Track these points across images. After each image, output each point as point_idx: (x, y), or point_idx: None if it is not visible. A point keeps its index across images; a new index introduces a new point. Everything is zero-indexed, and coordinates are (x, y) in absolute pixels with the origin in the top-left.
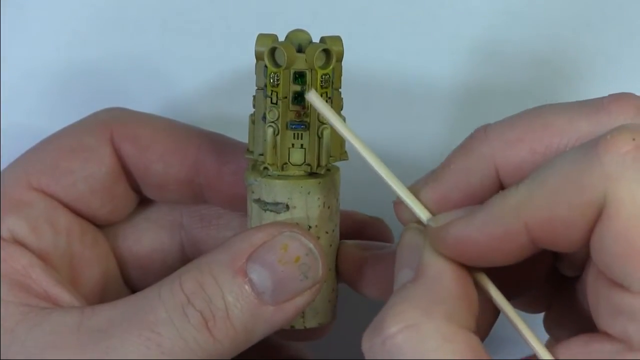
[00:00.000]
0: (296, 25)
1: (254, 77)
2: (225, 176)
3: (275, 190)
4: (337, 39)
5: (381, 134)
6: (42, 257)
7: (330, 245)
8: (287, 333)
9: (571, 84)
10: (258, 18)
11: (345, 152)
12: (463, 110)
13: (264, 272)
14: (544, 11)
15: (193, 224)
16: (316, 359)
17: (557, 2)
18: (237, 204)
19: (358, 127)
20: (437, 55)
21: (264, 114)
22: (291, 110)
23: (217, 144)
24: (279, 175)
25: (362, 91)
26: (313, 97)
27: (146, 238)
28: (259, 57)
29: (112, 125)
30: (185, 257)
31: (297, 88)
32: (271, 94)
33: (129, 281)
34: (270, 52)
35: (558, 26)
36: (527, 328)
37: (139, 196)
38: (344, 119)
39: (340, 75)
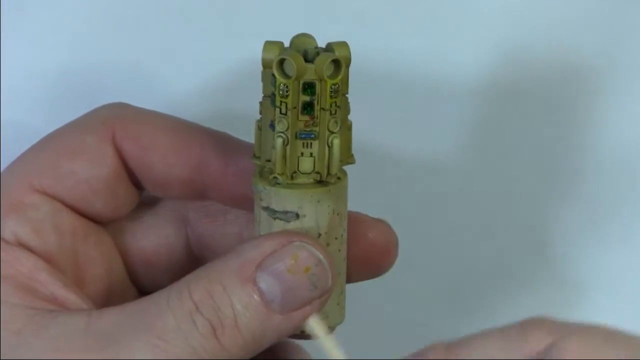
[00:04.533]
0: (297, 25)
1: (255, 76)
2: (230, 176)
3: (285, 199)
4: (344, 45)
5: (382, 134)
6: (47, 259)
7: (339, 250)
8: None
9: (571, 84)
10: (258, 18)
11: (352, 155)
12: (465, 111)
13: (273, 281)
14: (546, 12)
15: (200, 219)
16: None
17: (557, 2)
18: (243, 203)
19: (359, 127)
20: (439, 55)
21: (272, 122)
22: (300, 120)
23: (220, 143)
24: (288, 184)
25: (364, 91)
26: (313, 327)
27: (153, 233)
28: (266, 65)
29: (113, 124)
30: (192, 252)
31: (306, 98)
32: (280, 104)
33: (135, 278)
34: (279, 63)
35: (559, 27)
36: None
37: (141, 192)
38: (351, 124)
39: (348, 80)
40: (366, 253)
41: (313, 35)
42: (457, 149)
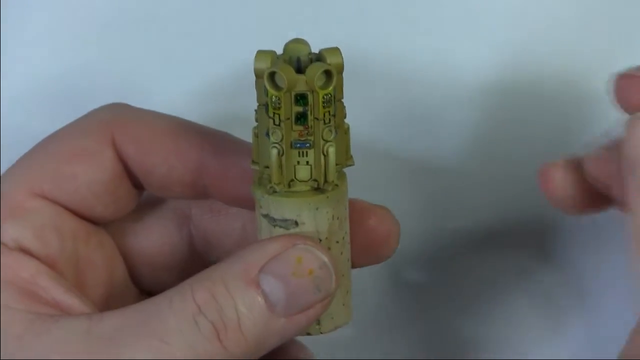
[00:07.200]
0: (297, 26)
1: (253, 77)
2: (230, 178)
3: (283, 207)
4: (336, 51)
5: (384, 135)
6: (49, 264)
7: (342, 253)
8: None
9: (571, 83)
10: (257, 19)
11: (351, 157)
12: (468, 112)
13: (277, 284)
14: (549, 13)
15: (202, 215)
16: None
17: (557, 3)
18: (244, 203)
19: (361, 128)
20: (441, 56)
21: (267, 131)
22: (294, 130)
23: (221, 143)
24: (286, 192)
25: (365, 92)
26: None
27: (155, 233)
28: (258, 75)
29: (113, 127)
30: (195, 250)
31: (299, 109)
32: (273, 115)
33: (138, 278)
34: (269, 75)
35: (562, 28)
36: None
37: (142, 192)
38: (348, 127)
39: (342, 86)
40: (368, 239)
41: (310, 38)
42: (459, 150)
